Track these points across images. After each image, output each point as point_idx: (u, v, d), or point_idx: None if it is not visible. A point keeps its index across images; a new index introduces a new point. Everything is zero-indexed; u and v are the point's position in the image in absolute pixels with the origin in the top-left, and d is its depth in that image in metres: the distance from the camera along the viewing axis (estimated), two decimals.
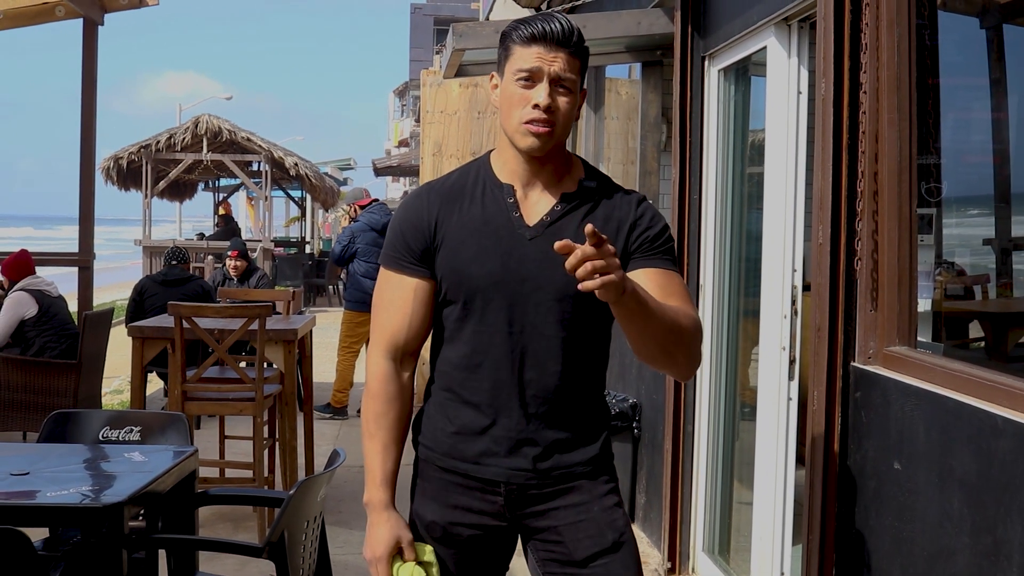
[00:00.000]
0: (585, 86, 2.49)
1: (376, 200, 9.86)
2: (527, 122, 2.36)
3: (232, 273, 10.13)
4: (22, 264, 7.85)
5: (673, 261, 2.50)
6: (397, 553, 2.51)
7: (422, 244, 2.47)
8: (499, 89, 2.44)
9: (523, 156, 2.43)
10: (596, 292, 2.02)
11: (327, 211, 29.88)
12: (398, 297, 2.50)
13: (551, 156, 2.45)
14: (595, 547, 2.49)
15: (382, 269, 2.55)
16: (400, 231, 2.51)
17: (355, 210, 9.70)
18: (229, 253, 10.25)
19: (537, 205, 2.46)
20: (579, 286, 2.02)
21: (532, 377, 2.43)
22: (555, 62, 2.34)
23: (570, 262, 2.01)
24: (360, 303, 9.30)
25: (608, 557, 2.49)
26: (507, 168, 2.48)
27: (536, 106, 2.34)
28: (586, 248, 1.99)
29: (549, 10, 2.44)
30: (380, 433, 2.52)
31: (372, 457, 2.53)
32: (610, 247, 2.02)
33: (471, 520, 2.52)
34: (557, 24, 2.35)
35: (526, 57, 2.35)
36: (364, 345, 9.53)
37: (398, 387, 2.53)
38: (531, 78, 2.35)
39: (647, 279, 2.40)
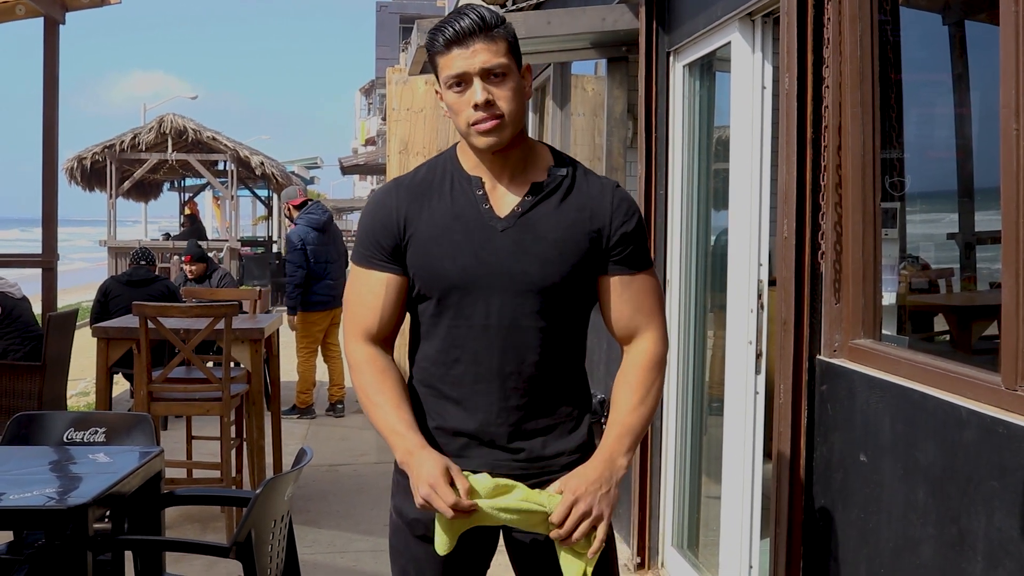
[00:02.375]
0: (527, 63, 2.48)
1: (309, 200, 9.75)
2: (473, 124, 2.36)
3: (190, 276, 10.02)
4: None
5: (647, 255, 2.54)
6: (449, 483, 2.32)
7: (392, 241, 2.47)
8: (443, 99, 2.44)
9: (485, 152, 2.43)
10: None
11: None
12: (369, 292, 2.50)
13: (515, 146, 2.44)
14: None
15: (352, 265, 2.55)
16: (370, 228, 2.51)
17: (290, 209, 9.62)
18: (183, 259, 10.10)
19: (506, 196, 2.46)
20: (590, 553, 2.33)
21: (511, 369, 2.43)
22: (476, 56, 2.33)
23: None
24: (313, 304, 9.24)
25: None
26: (472, 162, 2.48)
27: (476, 106, 2.34)
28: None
29: (461, 5, 2.44)
30: (383, 397, 2.45)
31: (386, 417, 2.43)
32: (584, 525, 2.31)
33: None
34: (466, 20, 2.33)
35: (450, 63, 2.35)
36: (320, 344, 9.51)
37: (385, 361, 2.51)
38: (462, 81, 2.35)
39: (621, 288, 2.49)
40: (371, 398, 2.46)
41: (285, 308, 9.46)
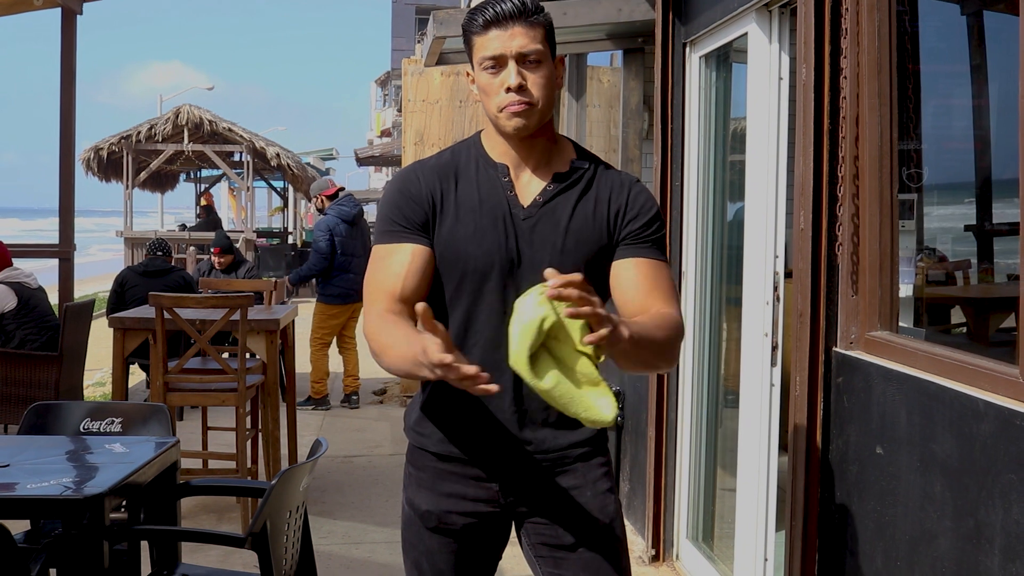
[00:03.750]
0: (559, 54, 2.48)
1: (343, 189, 9.78)
2: (505, 107, 2.36)
3: (218, 268, 10.04)
4: None
5: (662, 249, 2.51)
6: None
7: (422, 216, 2.42)
8: (475, 82, 2.44)
9: (513, 138, 2.43)
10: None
11: (309, 201, 29.79)
12: (394, 262, 2.40)
13: (541, 135, 2.45)
14: (585, 532, 2.50)
15: (376, 247, 2.47)
16: (396, 205, 2.44)
17: (322, 201, 9.62)
18: (212, 250, 10.10)
19: (530, 185, 2.46)
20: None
21: None
22: (514, 39, 2.33)
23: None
24: (334, 296, 9.25)
25: (597, 542, 2.50)
26: (498, 149, 2.48)
27: (508, 89, 2.34)
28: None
29: None
30: (394, 337, 2.27)
31: (403, 342, 2.23)
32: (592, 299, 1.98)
33: (466, 508, 2.50)
34: (508, 3, 2.34)
35: (486, 44, 2.35)
36: (336, 337, 9.52)
37: (397, 316, 2.34)
38: (496, 63, 2.35)
39: (634, 271, 2.44)
40: (385, 342, 2.29)
41: (300, 299, 9.47)
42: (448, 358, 1.97)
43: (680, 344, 2.40)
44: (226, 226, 23.52)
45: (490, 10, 2.34)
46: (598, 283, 2.47)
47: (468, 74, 2.48)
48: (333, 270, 9.21)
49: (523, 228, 2.42)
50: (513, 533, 2.59)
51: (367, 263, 2.55)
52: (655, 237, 2.49)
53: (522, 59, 2.34)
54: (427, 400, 2.53)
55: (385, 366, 2.32)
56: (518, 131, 2.38)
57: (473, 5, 2.43)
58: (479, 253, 2.40)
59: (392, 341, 2.27)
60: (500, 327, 2.38)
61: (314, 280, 9.63)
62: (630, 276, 2.45)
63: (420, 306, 2.01)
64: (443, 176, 2.46)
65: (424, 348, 2.02)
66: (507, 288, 2.40)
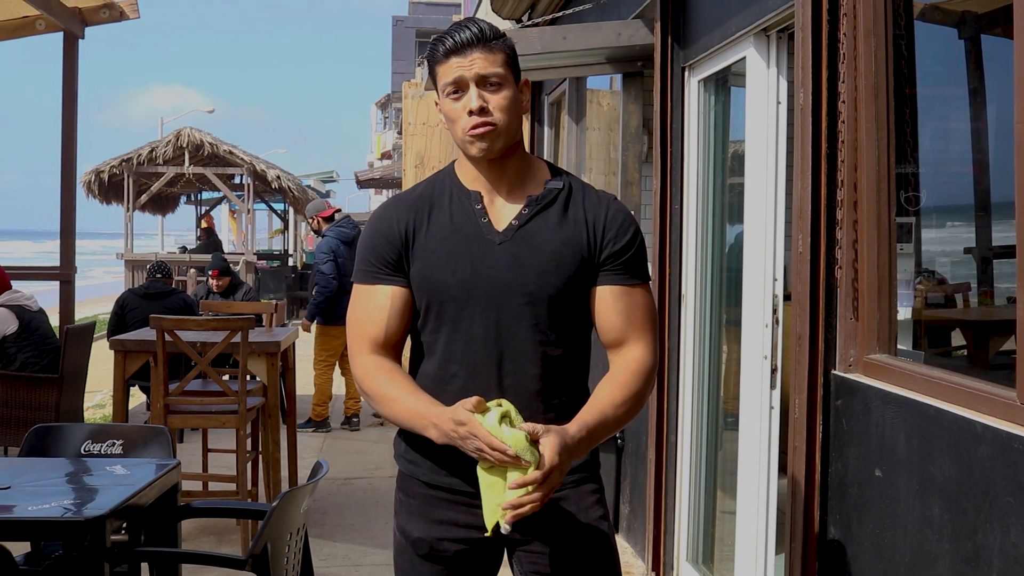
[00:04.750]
0: (525, 78, 2.52)
1: (339, 211, 9.79)
2: (468, 131, 2.40)
3: (216, 290, 10.04)
4: None
5: (643, 267, 2.53)
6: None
7: (395, 255, 2.48)
8: (442, 111, 2.49)
9: (481, 162, 2.46)
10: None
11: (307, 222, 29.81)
12: (374, 307, 2.49)
13: (510, 157, 2.48)
14: (577, 560, 2.50)
15: (355, 286, 2.54)
16: (371, 244, 2.51)
17: (318, 222, 9.63)
18: (210, 273, 10.09)
19: (504, 209, 2.48)
20: (505, 516, 2.24)
21: (511, 383, 2.42)
22: (473, 64, 2.38)
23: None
24: (334, 317, 9.25)
25: (589, 570, 2.50)
26: (470, 176, 2.51)
27: (471, 112, 2.38)
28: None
29: (463, 19, 2.49)
30: (399, 391, 2.41)
31: (408, 402, 2.38)
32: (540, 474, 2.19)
33: (458, 535, 2.50)
34: (466, 31, 2.39)
35: (447, 72, 2.41)
36: (339, 358, 9.51)
37: (393, 364, 2.48)
38: (458, 87, 2.40)
39: (613, 301, 2.48)
40: (387, 394, 2.42)
41: (302, 320, 9.48)
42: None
43: (648, 390, 2.49)
44: (227, 248, 23.56)
45: (449, 39, 2.40)
46: (581, 303, 2.48)
47: (436, 103, 2.52)
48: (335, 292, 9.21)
49: (499, 253, 2.43)
50: (505, 559, 2.60)
51: None
52: (635, 259, 2.51)
53: (483, 82, 2.39)
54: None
55: (385, 415, 2.45)
56: (483, 153, 2.41)
57: (433, 39, 2.49)
58: (453, 281, 2.43)
59: (396, 395, 2.40)
60: (481, 354, 2.42)
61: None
62: (610, 306, 2.48)
63: (472, 401, 2.23)
64: (418, 209, 2.50)
65: (453, 416, 2.23)
66: (486, 314, 2.42)
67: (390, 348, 2.49)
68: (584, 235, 2.46)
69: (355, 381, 2.52)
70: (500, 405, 2.26)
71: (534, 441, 2.21)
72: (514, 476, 2.22)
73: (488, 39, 2.40)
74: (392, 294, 2.48)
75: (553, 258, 2.43)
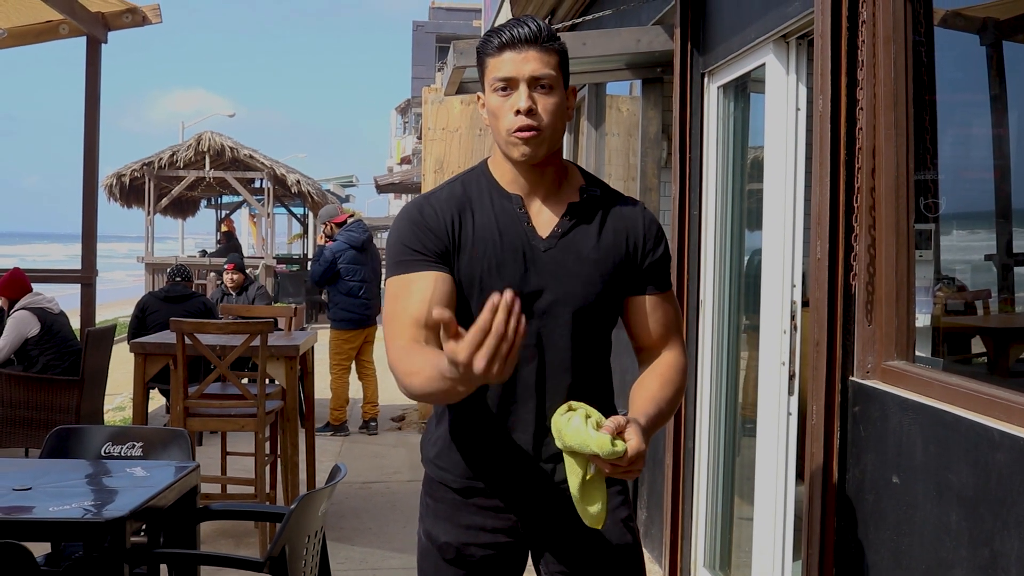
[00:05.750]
0: (573, 85, 2.45)
1: (352, 215, 9.85)
2: (514, 132, 2.33)
3: (229, 285, 10.19)
4: (17, 282, 7.86)
5: (669, 272, 2.56)
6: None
7: (442, 246, 2.37)
8: (485, 105, 2.41)
9: (521, 165, 2.40)
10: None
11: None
12: (416, 289, 2.33)
13: (549, 163, 2.42)
14: (603, 562, 2.50)
15: (390, 282, 2.40)
16: (413, 234, 2.38)
17: (331, 228, 9.68)
18: (226, 266, 10.30)
19: (543, 215, 2.44)
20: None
21: (547, 389, 2.41)
22: (527, 63, 2.31)
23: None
24: (345, 321, 9.30)
25: (615, 572, 2.50)
26: (507, 177, 2.44)
27: (518, 112, 2.31)
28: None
29: (522, 16, 2.44)
30: (424, 363, 2.16)
31: (427, 370, 2.12)
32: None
33: (485, 540, 2.50)
34: (524, 27, 2.32)
35: (499, 66, 2.33)
36: (353, 362, 9.55)
37: (423, 345, 2.28)
38: (508, 85, 2.33)
39: (649, 309, 2.50)
40: (409, 369, 2.20)
41: (320, 325, 9.52)
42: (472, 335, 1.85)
43: (685, 387, 2.52)
44: (246, 252, 23.62)
45: (506, 33, 2.33)
46: (613, 309, 2.49)
47: (479, 97, 2.44)
48: (344, 296, 9.25)
49: (544, 260, 2.39)
50: (530, 562, 2.60)
51: (377, 288, 2.56)
52: (668, 266, 2.55)
53: (534, 83, 2.32)
54: (445, 432, 2.51)
55: (413, 391, 2.20)
56: (525, 158, 2.35)
57: (486, 32, 2.43)
58: (501, 287, 2.38)
59: (419, 366, 2.17)
60: (522, 360, 2.37)
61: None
62: (649, 314, 2.50)
63: (441, 312, 1.86)
64: (459, 208, 2.41)
65: (450, 350, 1.88)
66: (529, 321, 2.32)
67: (431, 332, 2.28)
68: (624, 245, 2.45)
69: (390, 368, 2.30)
70: (571, 408, 2.21)
71: (619, 433, 2.14)
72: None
73: (545, 39, 2.33)
74: (436, 279, 2.34)
75: (597, 267, 2.42)
